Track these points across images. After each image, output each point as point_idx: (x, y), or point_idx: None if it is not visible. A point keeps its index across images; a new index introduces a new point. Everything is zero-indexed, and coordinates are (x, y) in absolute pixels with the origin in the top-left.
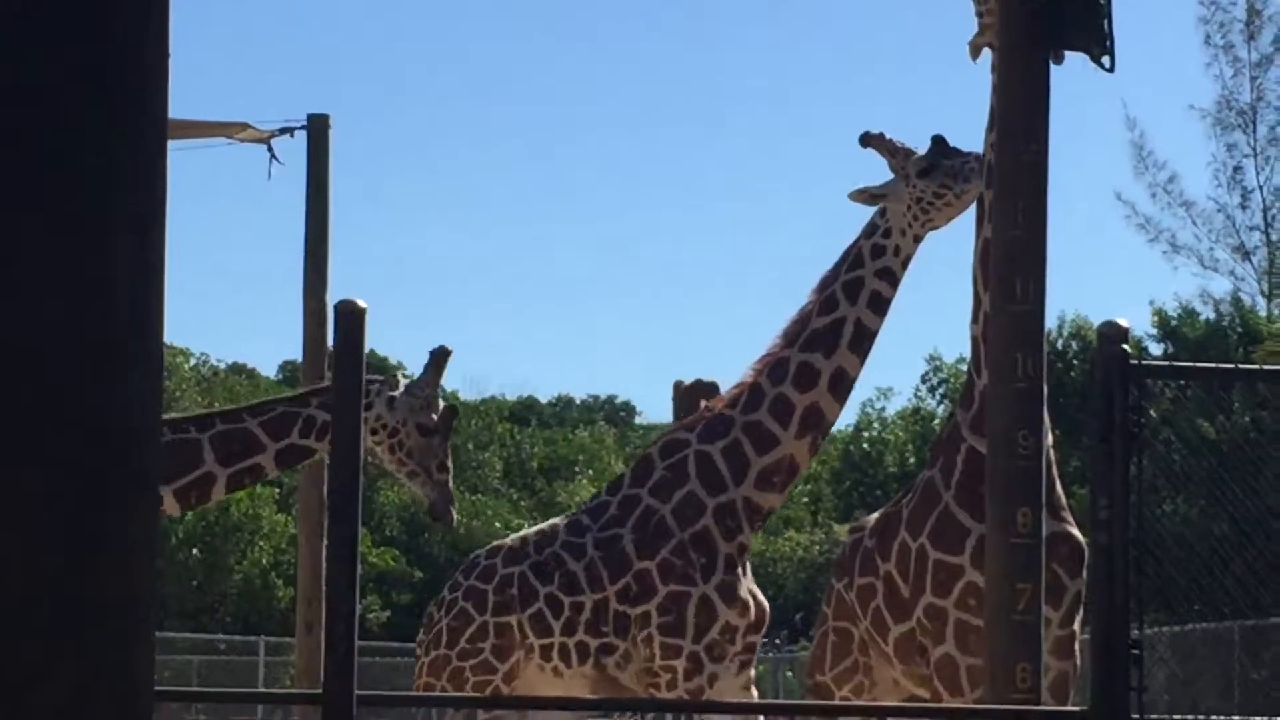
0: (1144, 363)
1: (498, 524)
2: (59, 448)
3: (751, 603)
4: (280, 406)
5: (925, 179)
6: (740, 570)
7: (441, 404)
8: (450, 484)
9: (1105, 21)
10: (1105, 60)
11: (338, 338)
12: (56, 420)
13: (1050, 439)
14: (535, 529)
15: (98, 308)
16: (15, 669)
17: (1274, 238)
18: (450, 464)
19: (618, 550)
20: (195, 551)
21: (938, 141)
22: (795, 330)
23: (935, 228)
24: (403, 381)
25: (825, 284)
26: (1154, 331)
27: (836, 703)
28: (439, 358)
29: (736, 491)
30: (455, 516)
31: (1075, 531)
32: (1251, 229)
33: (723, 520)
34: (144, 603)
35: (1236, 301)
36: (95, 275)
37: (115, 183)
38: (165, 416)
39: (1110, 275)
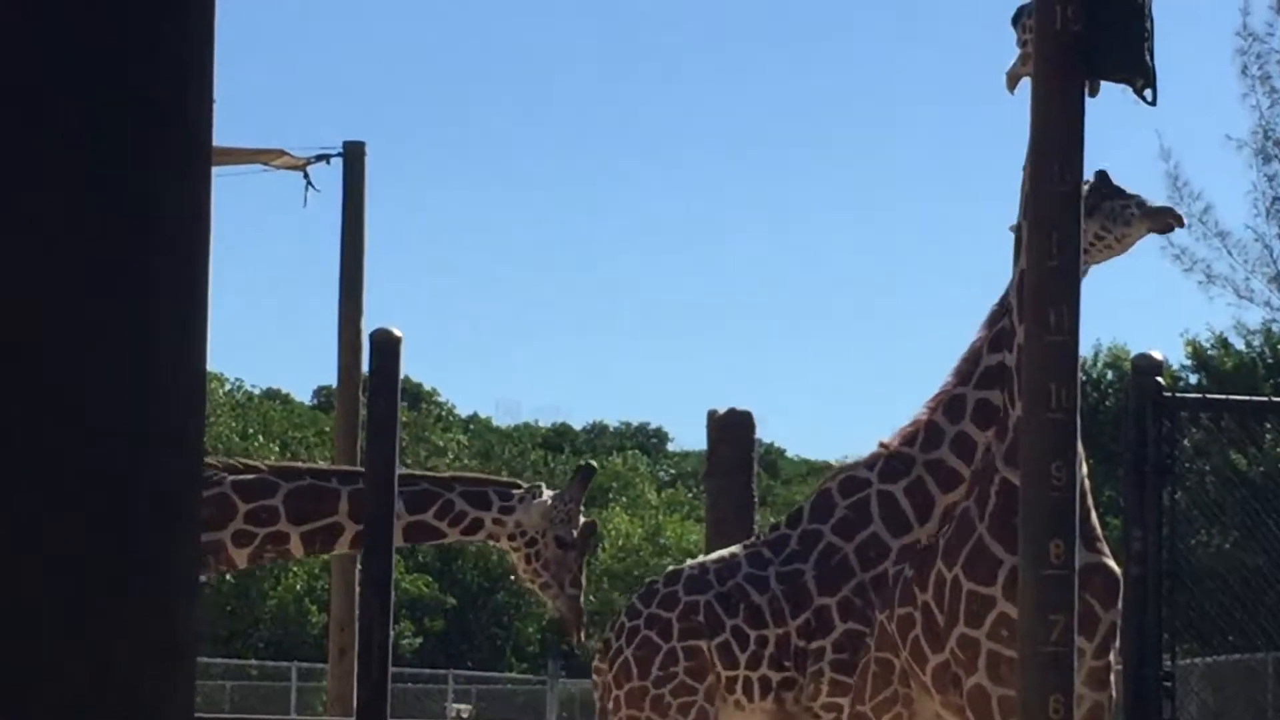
0: (1177, 395)
1: None
2: (102, 482)
3: None
4: (425, 484)
5: (1087, 219)
6: None
7: (582, 519)
8: (581, 599)
9: (1148, 53)
10: (1148, 93)
11: (373, 366)
12: (98, 452)
13: (1085, 469)
14: (712, 557)
15: (139, 335)
16: (52, 698)
17: None
18: (584, 580)
19: (799, 585)
20: (229, 577)
21: (1101, 178)
22: (967, 368)
23: (1091, 265)
24: (547, 493)
25: (994, 319)
26: (1188, 362)
27: None
28: (584, 475)
29: (920, 531)
30: (583, 634)
31: (1110, 562)
32: None
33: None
34: (185, 632)
35: (1268, 333)
36: (137, 304)
37: (160, 208)
38: (306, 466)
39: (1145, 304)
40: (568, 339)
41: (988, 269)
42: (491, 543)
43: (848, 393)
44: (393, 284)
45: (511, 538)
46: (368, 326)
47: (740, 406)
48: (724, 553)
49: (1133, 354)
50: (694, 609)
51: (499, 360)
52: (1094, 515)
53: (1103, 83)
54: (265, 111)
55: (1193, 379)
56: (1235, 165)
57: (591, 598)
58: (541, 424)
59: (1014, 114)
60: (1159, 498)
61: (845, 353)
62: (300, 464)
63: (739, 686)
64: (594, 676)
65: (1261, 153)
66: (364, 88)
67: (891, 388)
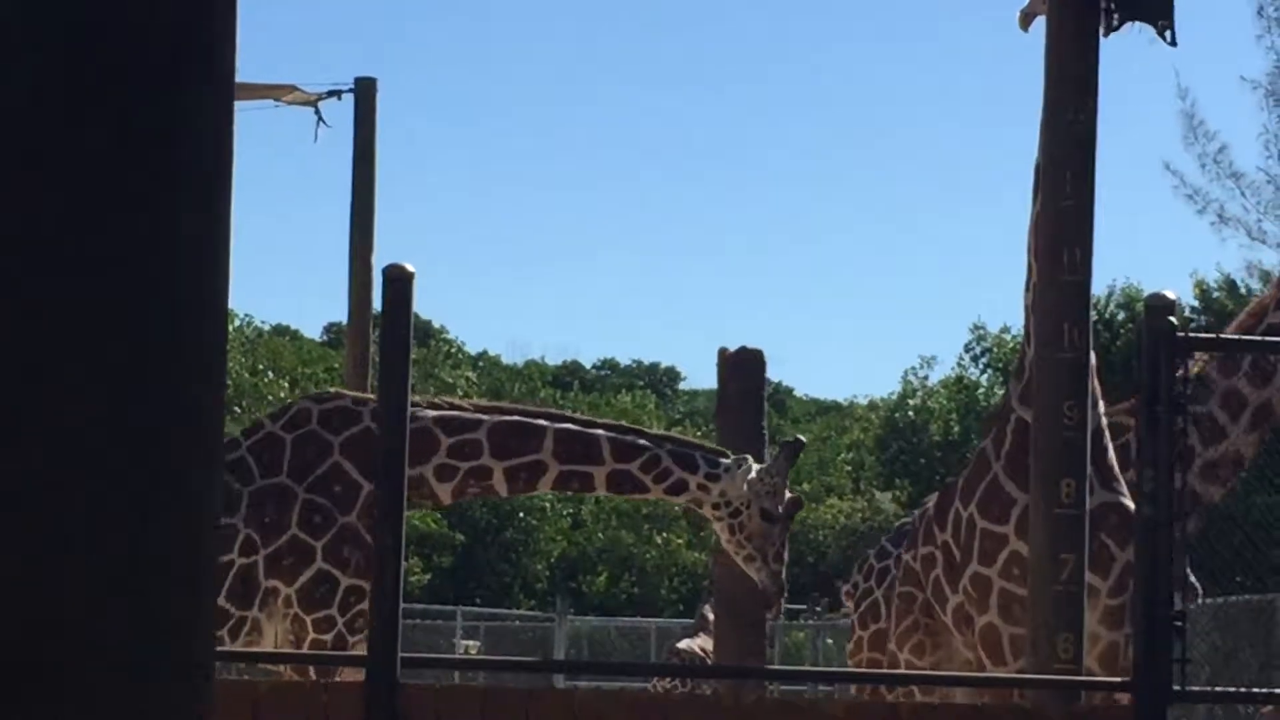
0: (1190, 334)
1: None
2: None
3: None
4: (635, 435)
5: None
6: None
7: (788, 494)
8: (784, 573)
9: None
10: (1168, 34)
11: (385, 301)
12: (121, 407)
13: (1103, 407)
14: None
15: (161, 277)
16: (66, 692)
17: None
18: (786, 554)
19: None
20: None
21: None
22: (1250, 324)
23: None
24: (754, 466)
25: None
26: (1195, 304)
27: (857, 670)
28: (793, 449)
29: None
30: (781, 606)
31: (1126, 501)
32: None
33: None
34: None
35: (1267, 276)
36: (159, 243)
37: (182, 145)
38: (518, 406)
39: (1158, 245)
40: (579, 277)
41: (998, 208)
42: (694, 509)
43: (856, 333)
44: (404, 220)
45: (715, 506)
46: (379, 263)
47: (750, 345)
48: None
49: (1145, 295)
50: (931, 560)
51: (509, 298)
52: (1111, 454)
53: (1122, 22)
54: (277, 47)
55: (1201, 320)
56: (1250, 107)
57: (600, 535)
58: (551, 362)
59: (1035, 47)
60: (1171, 438)
61: (854, 293)
62: (509, 403)
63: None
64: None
65: (1274, 94)
66: (376, 23)
67: (898, 330)
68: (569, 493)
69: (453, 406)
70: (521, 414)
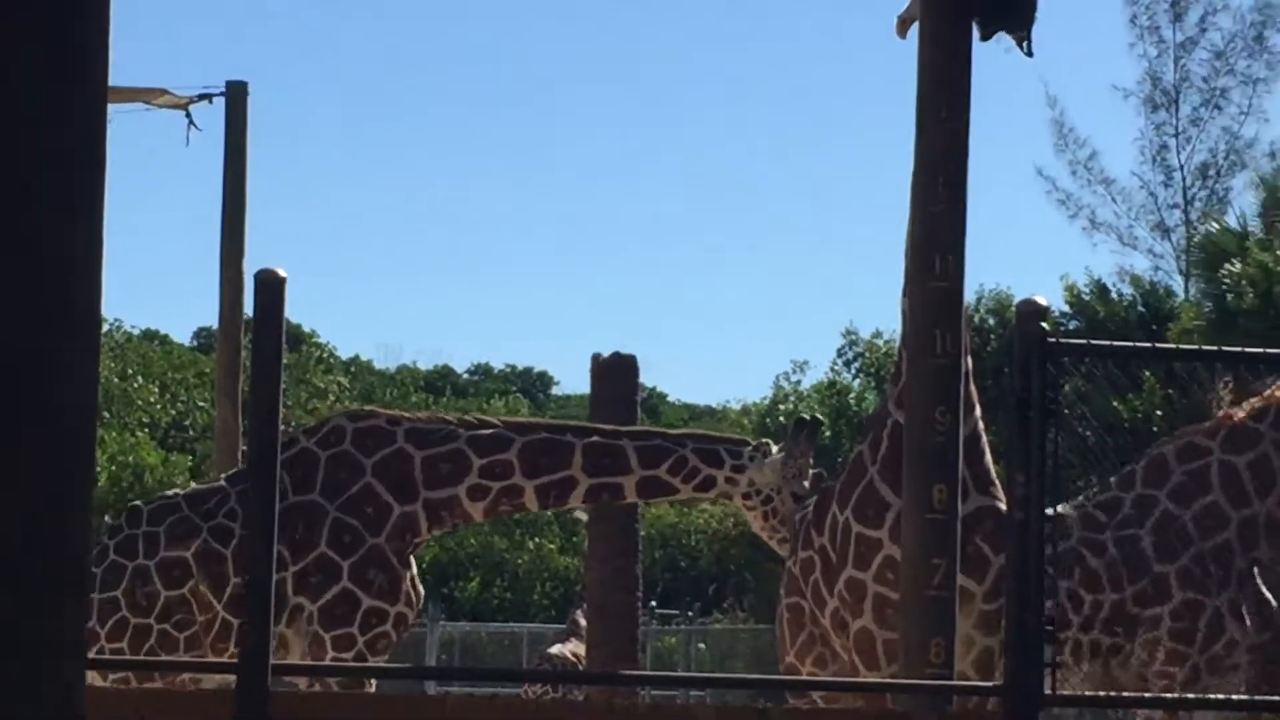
0: (1061, 341)
1: None
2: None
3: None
4: (659, 439)
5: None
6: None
7: (810, 472)
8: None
9: (1033, 7)
10: (1025, 45)
11: (257, 307)
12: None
13: (979, 412)
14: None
15: (36, 282)
16: None
17: (1193, 217)
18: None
19: (1137, 550)
20: (107, 519)
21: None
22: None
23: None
24: (775, 450)
25: None
26: (1066, 309)
27: (724, 675)
28: (811, 428)
29: (1260, 506)
30: None
31: (1002, 505)
32: (1172, 207)
33: (1243, 534)
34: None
35: (1138, 281)
36: (26, 247)
37: (57, 152)
38: (544, 421)
39: (1029, 250)
40: (450, 281)
41: (872, 212)
42: (724, 500)
43: (728, 337)
44: (275, 224)
45: (746, 496)
46: (249, 267)
47: (624, 350)
48: (1055, 511)
49: (1016, 300)
50: None
51: (380, 302)
52: (988, 458)
53: (986, 32)
54: (148, 50)
55: (1071, 325)
56: (1121, 114)
57: (472, 540)
58: (423, 366)
59: (912, 52)
60: (1043, 443)
61: (726, 298)
62: (537, 419)
63: (1068, 649)
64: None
65: (1149, 101)
66: (248, 27)
67: (771, 334)
68: (599, 504)
69: (483, 424)
70: (548, 429)
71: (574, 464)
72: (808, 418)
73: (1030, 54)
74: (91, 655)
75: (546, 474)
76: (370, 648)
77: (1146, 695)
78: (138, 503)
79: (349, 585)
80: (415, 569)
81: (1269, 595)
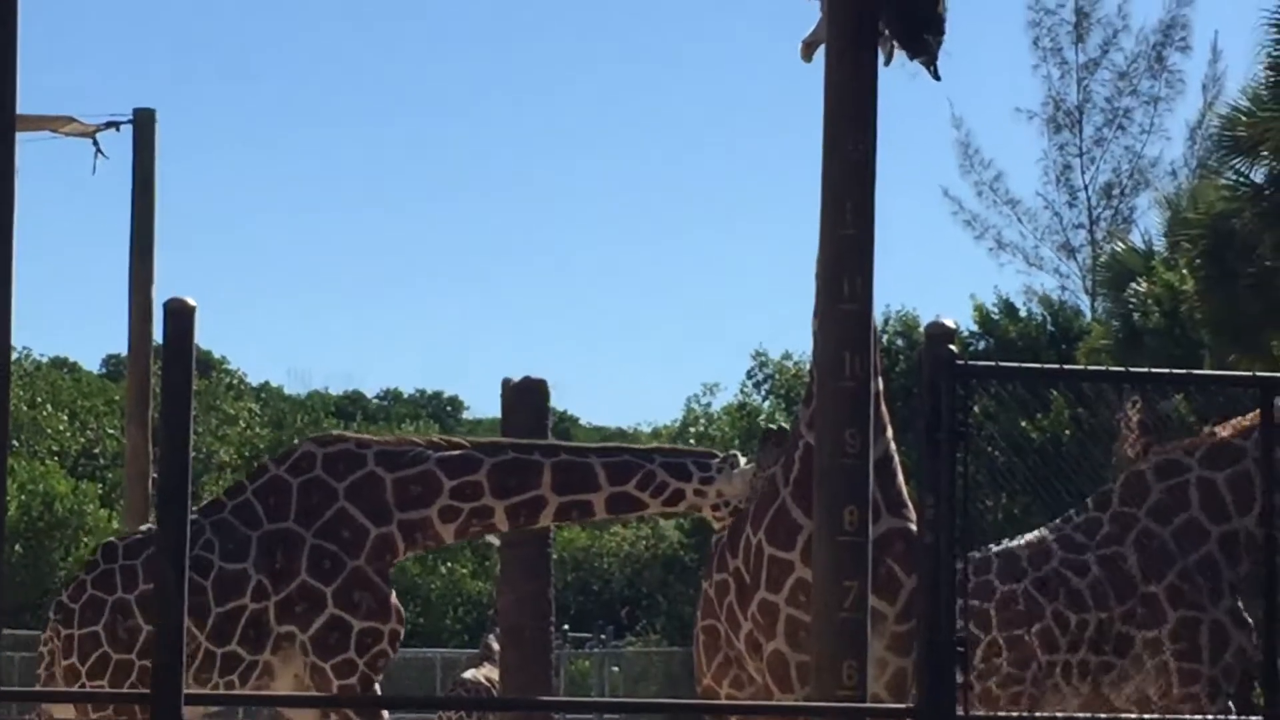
0: (970, 364)
1: None
2: None
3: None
4: (626, 455)
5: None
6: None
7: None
8: None
9: (935, 30)
10: (933, 69)
11: (167, 336)
12: None
13: (890, 433)
14: (1019, 542)
15: None
16: None
17: (1098, 237)
18: None
19: (1122, 570)
20: (18, 548)
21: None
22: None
23: None
24: (744, 462)
25: None
26: (975, 328)
27: (639, 700)
28: (777, 438)
29: (1240, 522)
30: None
31: (914, 527)
32: (1077, 227)
33: (1226, 548)
34: None
35: (1048, 301)
36: None
37: None
38: (510, 441)
39: (938, 271)
40: (359, 306)
41: (779, 234)
42: (692, 513)
43: (639, 360)
44: (183, 251)
45: (715, 508)
46: (158, 294)
47: (534, 374)
48: (1030, 537)
49: (924, 321)
50: (1012, 598)
51: (289, 328)
52: (900, 480)
53: (891, 56)
54: (54, 77)
55: (980, 345)
56: (1025, 135)
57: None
58: (334, 392)
59: (810, 82)
60: (953, 465)
61: (636, 321)
62: (504, 439)
63: (1058, 670)
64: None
65: (1052, 122)
66: (154, 55)
67: (681, 356)
68: (569, 523)
69: (451, 445)
70: (516, 449)
71: (543, 483)
72: (775, 428)
73: (938, 78)
74: (60, 690)
75: (516, 494)
76: (372, 668)
77: (1059, 715)
78: (112, 539)
79: (336, 611)
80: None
81: (1247, 616)
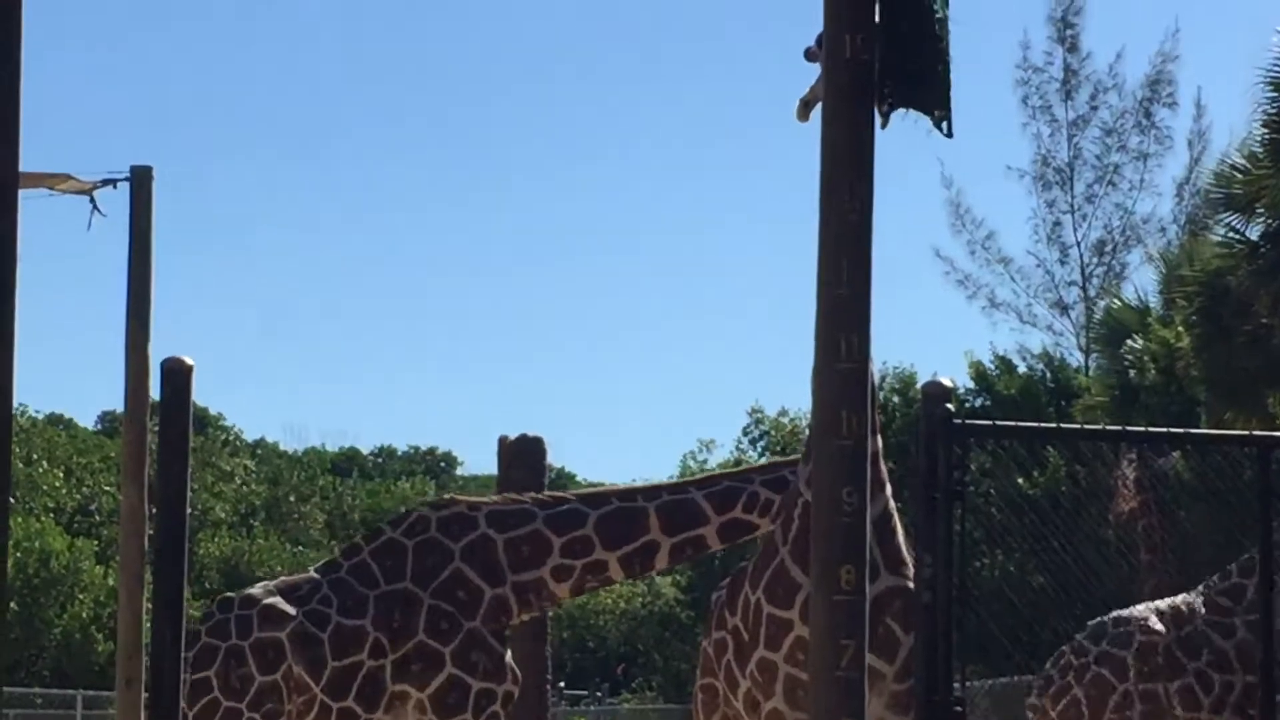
0: (967, 423)
1: None
2: None
3: None
4: (725, 481)
5: None
6: None
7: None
8: None
9: (945, 85)
10: (945, 125)
11: (164, 394)
12: None
13: (888, 491)
14: (1164, 603)
15: None
16: None
17: (1091, 293)
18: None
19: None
20: (13, 605)
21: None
22: None
23: None
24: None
25: None
26: (972, 385)
27: None
28: None
29: None
30: None
31: (912, 585)
32: (1070, 284)
33: None
34: None
35: (1047, 357)
36: None
37: None
38: (612, 488)
39: (932, 327)
40: (355, 363)
41: (776, 291)
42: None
43: (635, 417)
44: (180, 309)
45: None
46: (155, 351)
47: (530, 431)
48: (1163, 602)
49: (920, 378)
50: (1152, 649)
51: (286, 385)
52: (900, 537)
53: (895, 109)
54: (51, 135)
55: (973, 402)
56: (1015, 194)
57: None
58: (330, 448)
59: (805, 142)
60: (950, 524)
61: (632, 378)
62: (606, 488)
63: None
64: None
65: (1042, 179)
66: (152, 113)
67: (677, 413)
68: (685, 561)
69: (557, 500)
70: (619, 497)
71: (651, 528)
72: None
73: (950, 134)
74: None
75: (627, 543)
76: None
77: None
78: (229, 594)
79: (454, 671)
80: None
81: None
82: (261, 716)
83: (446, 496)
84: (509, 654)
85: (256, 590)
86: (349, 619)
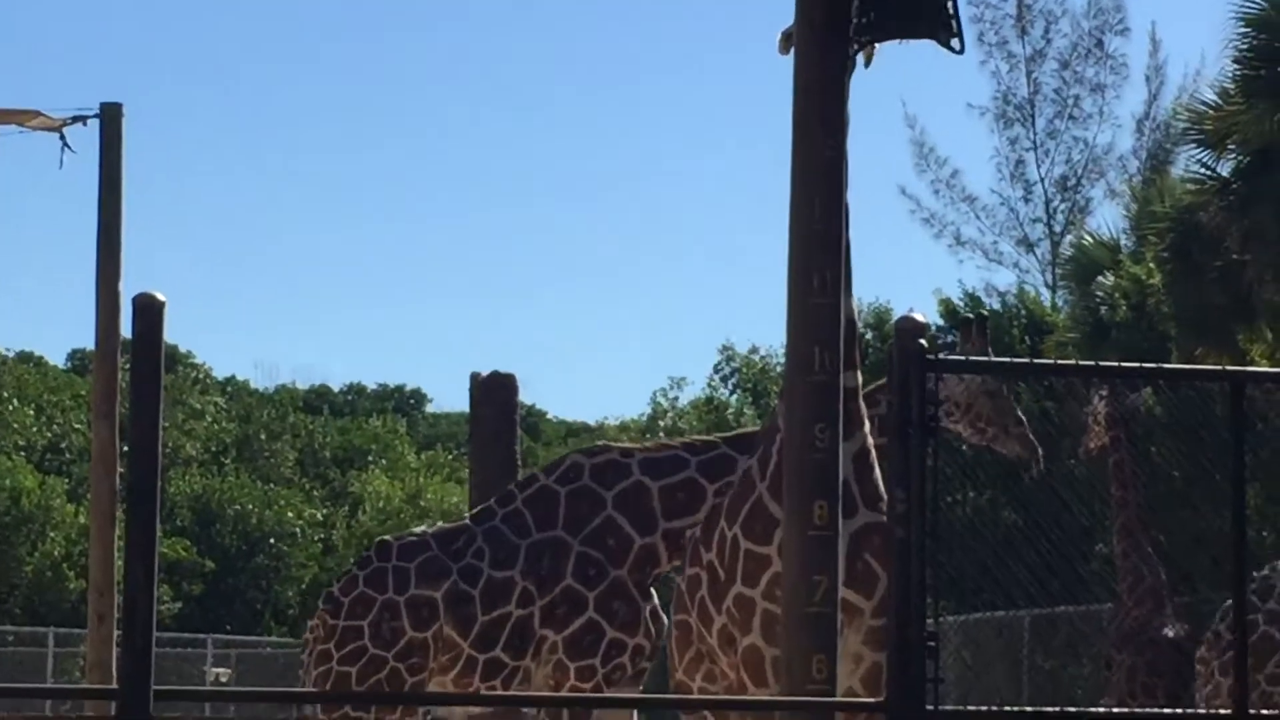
0: (940, 358)
1: (290, 514)
2: None
3: None
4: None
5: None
6: None
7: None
8: (1028, 433)
9: (950, 4)
10: (956, 43)
11: (136, 331)
12: None
13: (868, 427)
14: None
15: None
16: None
17: (1056, 229)
18: (1022, 414)
19: None
20: None
21: (979, 327)
22: None
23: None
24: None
25: None
26: (941, 322)
27: (585, 695)
28: (979, 323)
29: None
30: (1041, 464)
31: None
32: (1034, 221)
33: None
34: None
35: (1021, 291)
36: None
37: None
38: (754, 430)
39: (903, 264)
40: (325, 301)
41: (746, 228)
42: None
43: (606, 355)
44: (150, 245)
45: (949, 414)
46: (126, 288)
47: (500, 368)
48: None
49: (896, 314)
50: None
51: (256, 322)
52: (877, 474)
53: (874, 39)
54: (20, 71)
55: (948, 339)
56: (979, 131)
57: (351, 560)
58: (300, 385)
59: (780, 77)
60: (923, 460)
61: (603, 315)
62: (749, 430)
63: None
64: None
65: (1003, 116)
66: (123, 49)
67: (648, 351)
68: None
69: (706, 445)
70: (765, 437)
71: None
72: (975, 315)
73: (960, 51)
74: (17, 686)
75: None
76: (608, 680)
77: (1029, 710)
78: (387, 537)
79: (594, 616)
80: (656, 600)
81: None
82: (406, 669)
83: (600, 444)
84: (649, 607)
85: (415, 536)
86: (499, 571)
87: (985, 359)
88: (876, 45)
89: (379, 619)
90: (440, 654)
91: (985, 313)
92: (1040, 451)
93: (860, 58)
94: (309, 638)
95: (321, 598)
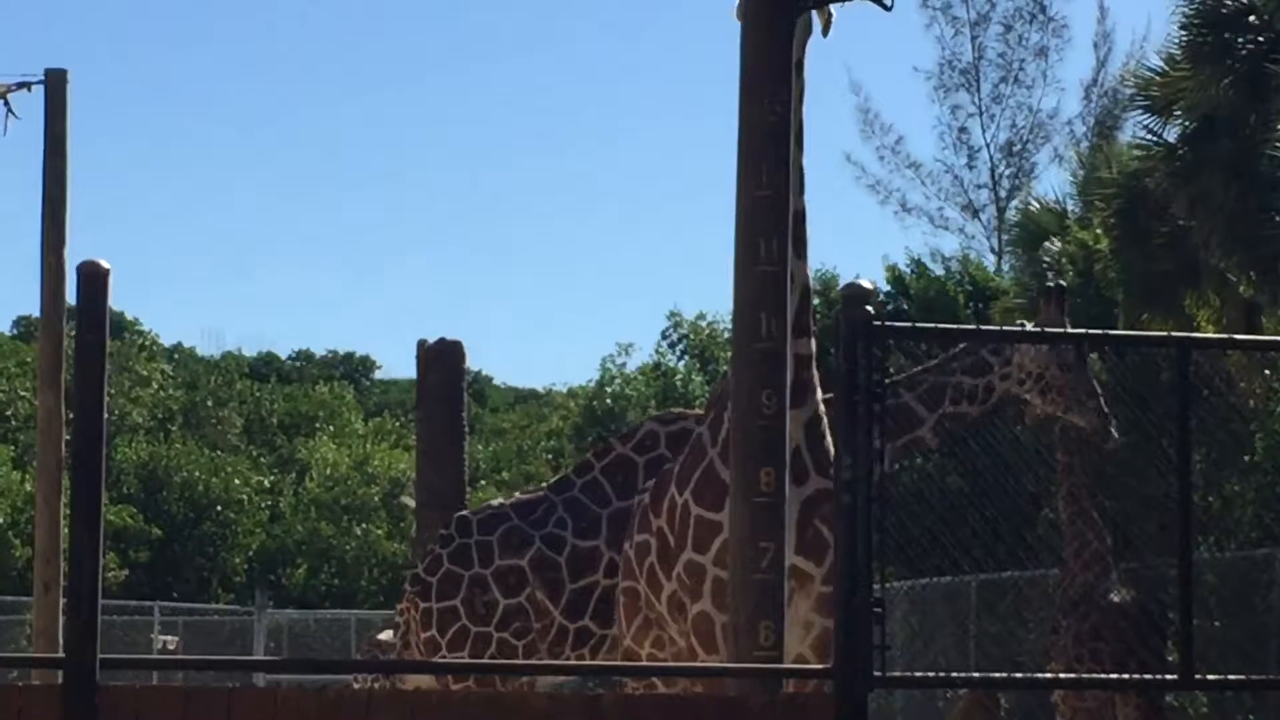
0: (887, 324)
1: (237, 481)
2: None
3: None
4: (927, 378)
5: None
6: None
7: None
8: (1103, 405)
9: None
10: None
11: (80, 298)
12: None
13: (820, 395)
14: None
15: None
16: None
17: (1001, 195)
18: (1098, 386)
19: None
20: None
21: (1058, 300)
22: None
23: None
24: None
25: None
26: (888, 289)
27: (548, 663)
28: (1057, 294)
29: None
30: (1115, 435)
31: None
32: (979, 187)
33: None
34: None
35: (965, 258)
36: None
37: None
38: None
39: (849, 231)
40: (272, 268)
41: (695, 194)
42: (1013, 398)
43: (554, 321)
44: (96, 212)
45: (1021, 383)
46: (71, 255)
47: (448, 335)
48: None
49: (841, 281)
50: None
51: (203, 289)
52: (829, 440)
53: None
54: None
55: (891, 305)
56: (924, 97)
57: (299, 527)
58: (247, 353)
59: (728, 42)
60: (870, 426)
61: (551, 282)
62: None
63: None
64: None
65: (944, 85)
66: (68, 15)
67: (596, 317)
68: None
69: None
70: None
71: (925, 425)
72: (1055, 285)
73: (889, 7)
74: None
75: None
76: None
77: (976, 675)
78: (465, 513)
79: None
80: None
81: None
82: (511, 634)
83: (675, 411)
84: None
85: (491, 508)
86: (584, 540)
87: (934, 326)
88: (833, 12)
89: (470, 595)
90: (538, 620)
91: (1064, 283)
92: (1114, 423)
93: (818, 25)
94: (400, 622)
95: (407, 580)
